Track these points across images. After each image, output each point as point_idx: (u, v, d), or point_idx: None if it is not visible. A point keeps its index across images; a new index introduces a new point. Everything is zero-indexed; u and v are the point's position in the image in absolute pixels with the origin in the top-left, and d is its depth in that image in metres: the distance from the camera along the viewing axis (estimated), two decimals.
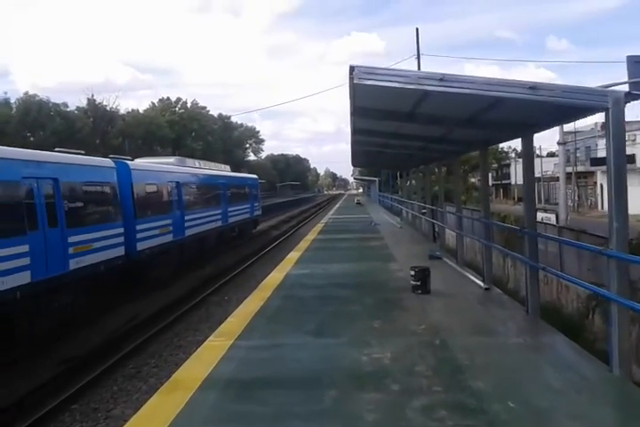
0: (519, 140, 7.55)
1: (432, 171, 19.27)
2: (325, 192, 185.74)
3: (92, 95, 62.92)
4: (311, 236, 19.35)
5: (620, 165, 4.96)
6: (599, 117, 5.55)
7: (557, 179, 35.45)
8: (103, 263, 13.13)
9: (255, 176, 36.88)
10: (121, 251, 14.15)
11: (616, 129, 4.91)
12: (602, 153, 38.68)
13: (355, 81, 5.56)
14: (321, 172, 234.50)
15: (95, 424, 7.69)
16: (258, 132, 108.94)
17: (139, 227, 15.43)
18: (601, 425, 4.18)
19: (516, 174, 54.02)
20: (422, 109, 7.48)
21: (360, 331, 6.67)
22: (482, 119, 7.27)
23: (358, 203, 49.27)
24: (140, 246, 15.41)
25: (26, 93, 59.58)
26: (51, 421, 7.72)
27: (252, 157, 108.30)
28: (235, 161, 74.06)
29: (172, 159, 23.34)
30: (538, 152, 52.89)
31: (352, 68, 5.48)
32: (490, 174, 44.51)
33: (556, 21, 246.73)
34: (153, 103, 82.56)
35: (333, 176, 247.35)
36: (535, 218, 7.89)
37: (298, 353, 5.90)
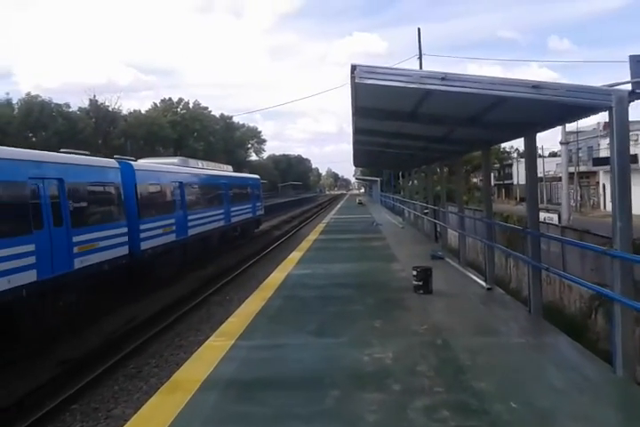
0: (521, 139, 7.51)
1: (434, 171, 19.25)
2: (327, 192, 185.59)
3: (95, 96, 63.35)
4: (313, 236, 19.36)
5: (623, 164, 4.94)
6: (601, 117, 5.53)
7: (560, 179, 35.45)
8: (107, 262, 13.20)
9: (257, 176, 36.91)
10: (125, 250, 14.21)
11: (620, 128, 4.90)
12: (604, 153, 38.60)
13: (356, 80, 5.54)
14: (323, 172, 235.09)
15: (96, 424, 7.66)
16: (260, 132, 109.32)
17: (142, 226, 15.47)
18: (604, 426, 4.15)
19: (519, 174, 54.00)
20: (424, 109, 7.45)
21: (362, 331, 6.65)
22: (484, 119, 7.24)
23: (360, 203, 49.21)
24: (144, 246, 15.46)
25: (28, 94, 59.90)
26: (50, 421, 7.70)
27: (253, 157, 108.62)
28: (236, 161, 74.03)
29: (175, 160, 23.37)
30: (540, 152, 52.79)
31: (354, 67, 5.46)
32: (492, 174, 44.44)
33: (558, 21, 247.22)
34: (155, 104, 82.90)
35: (335, 176, 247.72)
36: (538, 218, 7.86)
37: (299, 353, 5.88)
